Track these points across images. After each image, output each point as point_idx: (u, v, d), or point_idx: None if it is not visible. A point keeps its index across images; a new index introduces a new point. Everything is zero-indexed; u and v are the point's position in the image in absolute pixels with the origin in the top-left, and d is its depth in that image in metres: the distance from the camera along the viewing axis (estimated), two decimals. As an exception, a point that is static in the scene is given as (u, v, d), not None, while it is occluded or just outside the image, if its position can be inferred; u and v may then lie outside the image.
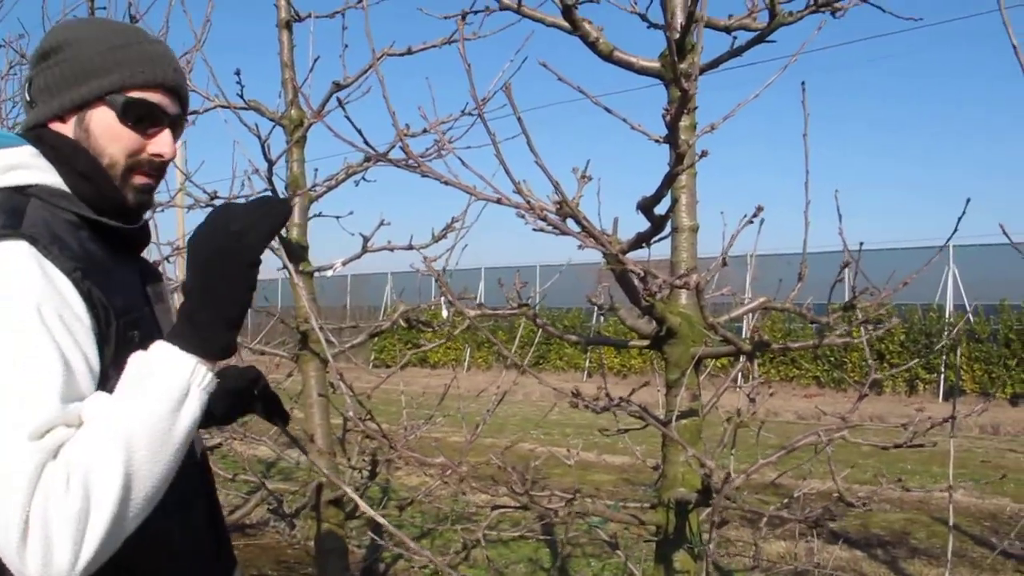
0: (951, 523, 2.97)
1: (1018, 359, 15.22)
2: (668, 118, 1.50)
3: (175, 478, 1.23)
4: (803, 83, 2.21)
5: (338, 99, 2.00)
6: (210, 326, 1.26)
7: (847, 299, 2.21)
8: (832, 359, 16.81)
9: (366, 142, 1.98)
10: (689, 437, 2.23)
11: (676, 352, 2.17)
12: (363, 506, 2.01)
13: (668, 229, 1.97)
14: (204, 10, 3.61)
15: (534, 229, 1.80)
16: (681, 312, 2.16)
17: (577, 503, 2.19)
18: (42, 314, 1.20)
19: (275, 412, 1.84)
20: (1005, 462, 9.86)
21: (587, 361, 20.53)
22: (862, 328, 2.13)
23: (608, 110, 1.73)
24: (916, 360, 8.05)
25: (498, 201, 1.86)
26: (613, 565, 5.42)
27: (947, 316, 16.56)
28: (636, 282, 1.83)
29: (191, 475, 1.48)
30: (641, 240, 1.86)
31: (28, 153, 1.42)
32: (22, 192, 1.38)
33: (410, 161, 2.02)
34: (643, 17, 2.41)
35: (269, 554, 5.78)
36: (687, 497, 2.15)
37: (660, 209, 1.79)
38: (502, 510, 2.56)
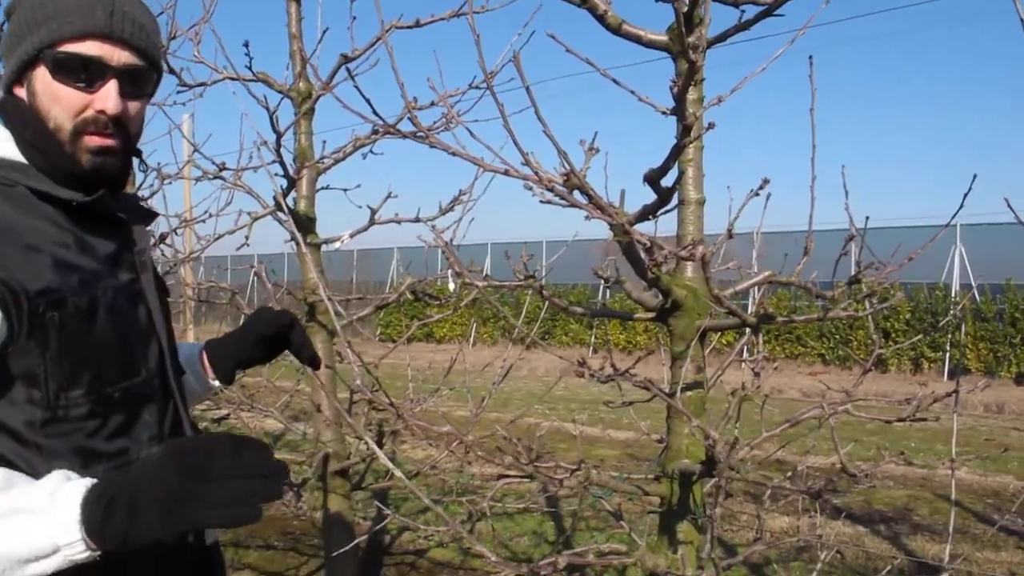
0: (953, 499, 2.99)
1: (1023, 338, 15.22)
2: (675, 90, 1.51)
3: None
4: (810, 57, 2.20)
5: (347, 70, 1.99)
6: (121, 531, 1.12)
7: (852, 274, 2.22)
8: (837, 337, 16.84)
9: (375, 113, 1.99)
10: (694, 409, 2.25)
11: (681, 324, 2.18)
12: (390, 465, 2.03)
13: (674, 202, 1.98)
14: (212, -19, 3.61)
15: (541, 201, 1.81)
16: (687, 284, 2.18)
17: (581, 473, 2.21)
18: None
19: (307, 356, 1.87)
20: (1009, 440, 9.88)
21: (592, 337, 20.57)
22: (867, 303, 2.14)
23: (616, 82, 1.74)
24: (919, 336, 8.04)
25: (506, 172, 1.86)
26: (617, 537, 5.46)
27: (953, 295, 16.53)
28: (642, 254, 1.84)
29: None
30: (647, 212, 1.86)
31: None
32: None
33: (419, 133, 2.02)
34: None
35: (275, 525, 5.84)
36: (691, 468, 2.17)
37: (667, 182, 1.80)
38: (507, 480, 2.58)
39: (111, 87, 1.38)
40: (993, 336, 15.53)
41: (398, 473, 2.15)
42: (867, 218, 2.22)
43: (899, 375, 16.13)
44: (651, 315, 2.25)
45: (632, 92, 1.68)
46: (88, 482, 1.17)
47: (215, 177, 3.63)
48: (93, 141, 1.38)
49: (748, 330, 2.48)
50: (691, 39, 2.22)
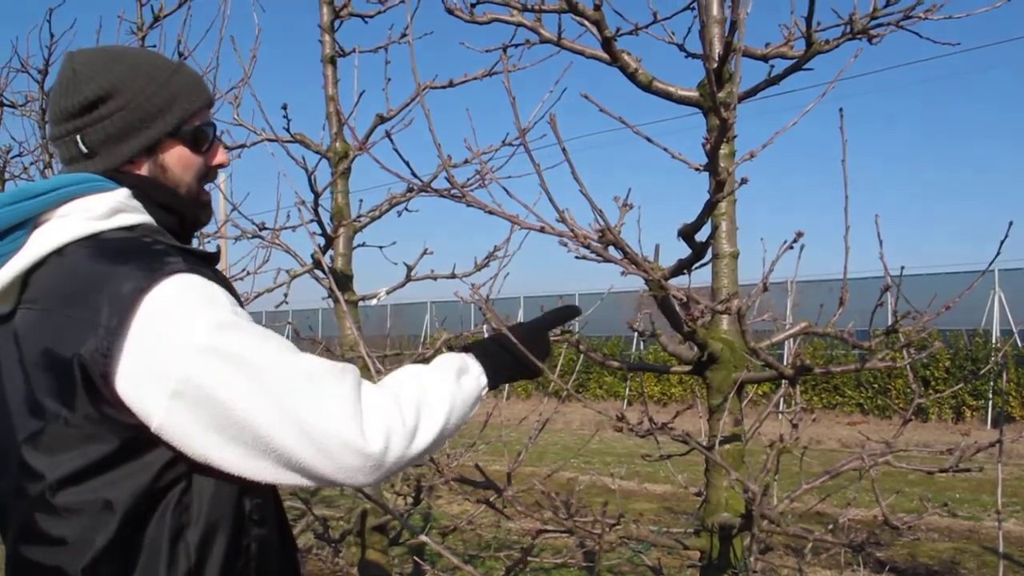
0: (1001, 551, 2.93)
1: (1068, 385, 14.90)
2: (708, 146, 1.53)
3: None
4: (841, 109, 2.23)
5: (386, 131, 2.05)
6: (507, 370, 1.68)
7: (889, 324, 2.21)
8: (876, 386, 16.60)
9: (412, 172, 2.04)
10: (732, 462, 2.24)
11: (718, 377, 2.19)
12: (410, 528, 2.04)
13: (708, 256, 2.00)
14: (251, 45, 3.72)
15: (577, 257, 1.83)
16: (723, 337, 2.19)
17: (621, 528, 2.20)
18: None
19: None
20: (1057, 490, 9.63)
21: (627, 389, 20.42)
22: (904, 352, 2.13)
23: (649, 139, 1.77)
24: (960, 385, 7.88)
25: (541, 229, 1.89)
26: (656, 594, 5.38)
27: (993, 341, 16.27)
28: (678, 308, 1.86)
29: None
30: (682, 267, 1.88)
31: (124, 195, 1.45)
32: (131, 231, 1.43)
33: (454, 191, 2.07)
34: (681, 47, 2.46)
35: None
36: (731, 522, 2.16)
37: (701, 236, 1.82)
38: (545, 535, 2.57)
39: (219, 145, 1.59)
40: (1036, 383, 15.23)
41: (426, 538, 2.15)
42: (902, 268, 2.21)
43: (940, 424, 15.84)
44: (687, 368, 2.26)
45: (665, 149, 1.71)
46: (473, 352, 1.65)
47: (254, 236, 3.70)
48: (206, 197, 1.61)
49: (784, 382, 2.48)
50: (722, 95, 2.26)
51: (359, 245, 3.73)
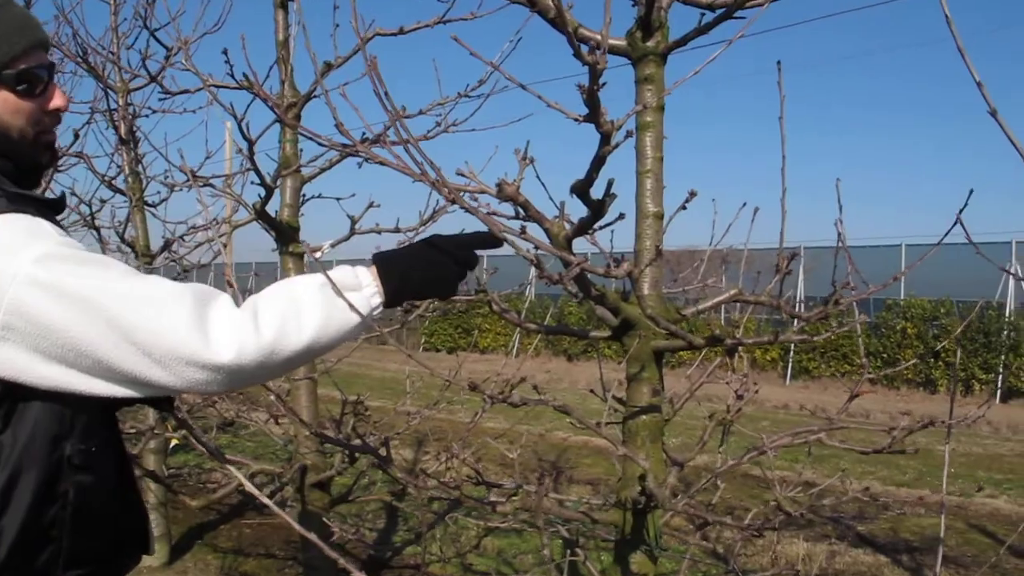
0: (942, 528, 2.80)
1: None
2: (585, 95, 1.40)
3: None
4: (779, 63, 2.10)
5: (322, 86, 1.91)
6: (414, 285, 1.59)
7: (829, 294, 2.08)
8: (885, 356, 16.34)
9: (339, 129, 1.90)
10: (649, 434, 2.13)
11: (634, 344, 2.07)
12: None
13: (616, 215, 1.86)
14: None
15: (467, 211, 1.71)
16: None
17: (518, 499, 2.11)
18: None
19: None
20: (1056, 467, 9.47)
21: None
22: (831, 323, 2.01)
23: (523, 86, 1.64)
24: (926, 356, 7.74)
25: (435, 184, 1.77)
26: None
27: (1008, 314, 15.98)
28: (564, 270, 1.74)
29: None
30: (583, 227, 1.75)
31: None
32: None
33: (360, 150, 1.96)
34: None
35: (280, 533, 5.79)
36: (639, 498, 2.05)
37: (599, 194, 1.69)
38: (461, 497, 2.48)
39: (55, 87, 1.55)
40: (1048, 357, 14.96)
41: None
42: (840, 234, 2.07)
43: (947, 396, 15.64)
44: (607, 333, 2.14)
45: (540, 97, 1.58)
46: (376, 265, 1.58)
47: (205, 185, 3.59)
48: (47, 138, 1.56)
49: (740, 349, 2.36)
50: (650, 44, 2.12)
51: (313, 196, 3.62)
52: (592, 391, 2.47)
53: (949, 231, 2.11)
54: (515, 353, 22.19)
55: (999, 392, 15.34)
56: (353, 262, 1.66)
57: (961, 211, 1.85)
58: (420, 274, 1.60)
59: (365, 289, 1.53)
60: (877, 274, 2.05)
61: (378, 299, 1.54)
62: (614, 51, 2.12)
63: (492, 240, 1.69)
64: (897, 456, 8.02)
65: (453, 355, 22.38)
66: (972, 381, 15.70)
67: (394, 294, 1.56)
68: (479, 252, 1.73)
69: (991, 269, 15.82)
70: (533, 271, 2.00)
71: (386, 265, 1.58)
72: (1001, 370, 15.40)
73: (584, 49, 1.47)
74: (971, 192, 2.13)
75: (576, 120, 1.50)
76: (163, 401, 1.67)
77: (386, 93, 1.63)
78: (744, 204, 2.33)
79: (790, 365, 17.86)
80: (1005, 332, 15.32)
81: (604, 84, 1.39)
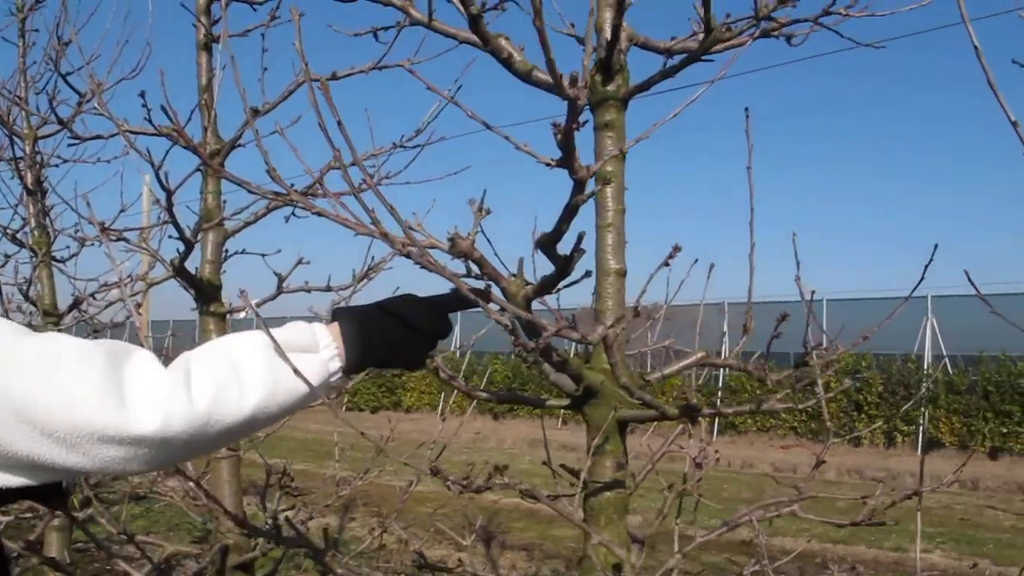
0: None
1: (997, 412, 14.95)
2: (559, 136, 1.23)
3: None
4: (746, 109, 1.96)
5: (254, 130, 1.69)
6: (380, 350, 1.36)
7: (801, 352, 1.94)
8: (809, 410, 16.50)
9: (271, 175, 1.68)
10: (615, 511, 1.94)
11: (598, 414, 1.88)
12: None
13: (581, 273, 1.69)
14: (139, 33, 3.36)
15: (419, 265, 1.51)
16: (604, 368, 1.88)
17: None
18: None
19: None
20: (983, 520, 9.56)
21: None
22: (814, 389, 1.86)
23: (488, 126, 1.47)
24: (893, 417, 7.80)
25: (384, 236, 1.57)
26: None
27: (925, 367, 16.32)
28: (521, 335, 1.56)
29: None
30: (546, 285, 1.58)
31: None
32: None
33: (295, 198, 1.75)
34: (572, 34, 2.17)
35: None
36: (607, 584, 1.85)
37: (565, 249, 1.51)
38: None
39: None
40: (966, 409, 15.25)
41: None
42: (812, 292, 1.93)
43: (872, 449, 15.81)
44: (565, 403, 1.95)
45: (507, 138, 1.40)
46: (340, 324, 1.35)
47: (118, 239, 3.31)
48: None
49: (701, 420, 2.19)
50: (611, 88, 1.97)
51: (237, 252, 3.37)
52: (545, 463, 2.26)
53: (917, 286, 2.04)
54: (441, 413, 21.82)
55: (920, 444, 15.57)
56: (280, 321, 1.42)
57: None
58: (388, 339, 1.37)
59: (324, 351, 1.31)
60: (799, 329, 1.94)
61: (337, 363, 1.32)
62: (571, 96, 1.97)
63: (465, 302, 1.49)
64: (831, 511, 7.97)
65: (376, 414, 21.92)
66: (895, 433, 15.91)
67: (357, 360, 1.34)
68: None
69: (908, 322, 16.17)
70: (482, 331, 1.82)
71: (349, 324, 1.35)
72: (921, 422, 15.64)
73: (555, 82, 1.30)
74: (935, 247, 2.06)
75: (548, 165, 1.33)
76: (52, 496, 1.41)
77: (339, 122, 1.41)
78: (696, 260, 2.20)
79: (716, 421, 17.89)
80: (924, 385, 15.61)
81: (585, 123, 1.22)
